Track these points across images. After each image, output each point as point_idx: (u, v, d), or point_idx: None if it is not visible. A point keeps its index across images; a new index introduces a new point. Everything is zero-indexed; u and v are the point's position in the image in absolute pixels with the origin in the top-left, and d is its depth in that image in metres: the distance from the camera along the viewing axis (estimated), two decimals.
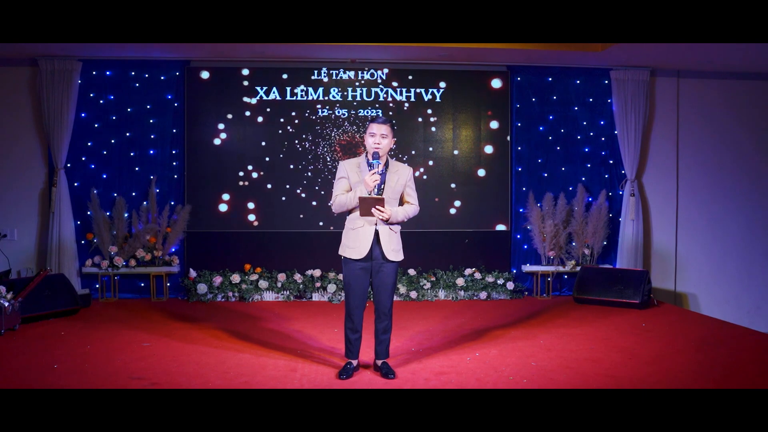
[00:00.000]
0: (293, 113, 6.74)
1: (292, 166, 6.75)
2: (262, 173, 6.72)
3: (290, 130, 6.75)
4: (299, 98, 6.75)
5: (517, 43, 5.84)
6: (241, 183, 6.70)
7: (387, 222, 3.85)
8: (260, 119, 6.71)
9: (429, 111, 6.86)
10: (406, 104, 6.84)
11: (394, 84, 6.82)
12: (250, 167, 6.71)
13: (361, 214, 3.77)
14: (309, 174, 6.77)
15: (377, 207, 3.73)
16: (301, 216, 6.76)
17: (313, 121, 6.76)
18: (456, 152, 6.89)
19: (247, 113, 6.70)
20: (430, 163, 6.87)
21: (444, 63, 6.80)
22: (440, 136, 6.89)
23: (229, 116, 6.69)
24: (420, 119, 6.86)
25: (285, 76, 6.71)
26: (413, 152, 6.85)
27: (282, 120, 6.73)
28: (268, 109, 6.72)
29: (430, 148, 6.88)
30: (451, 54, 6.42)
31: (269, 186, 6.74)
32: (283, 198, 6.75)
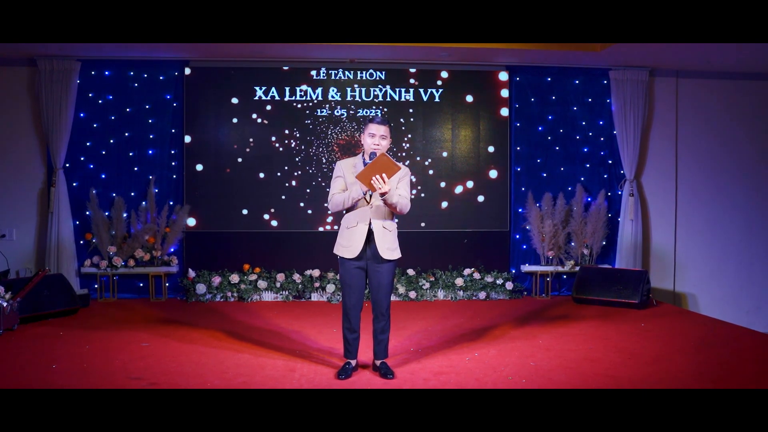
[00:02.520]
0: (292, 113, 6.73)
1: (290, 167, 6.74)
2: (260, 173, 6.72)
3: (288, 129, 6.74)
4: (298, 98, 6.75)
5: (516, 43, 5.85)
6: (241, 183, 6.71)
7: (382, 197, 3.73)
8: (258, 119, 6.71)
9: (428, 111, 6.86)
10: (405, 104, 6.83)
11: (393, 84, 6.82)
12: (249, 166, 6.71)
13: (357, 176, 3.67)
14: (308, 174, 6.76)
15: (381, 176, 3.59)
16: (301, 216, 6.76)
17: (312, 121, 6.75)
18: (455, 152, 6.89)
19: (246, 113, 6.70)
20: (429, 163, 6.87)
21: (443, 63, 6.80)
22: (439, 136, 6.89)
23: (229, 116, 6.69)
24: (419, 119, 6.86)
25: (285, 76, 6.71)
26: (412, 152, 6.85)
27: (280, 120, 6.72)
28: (267, 109, 6.71)
29: (429, 148, 6.87)
30: (450, 54, 6.42)
31: (268, 186, 6.73)
32: (283, 197, 6.75)
